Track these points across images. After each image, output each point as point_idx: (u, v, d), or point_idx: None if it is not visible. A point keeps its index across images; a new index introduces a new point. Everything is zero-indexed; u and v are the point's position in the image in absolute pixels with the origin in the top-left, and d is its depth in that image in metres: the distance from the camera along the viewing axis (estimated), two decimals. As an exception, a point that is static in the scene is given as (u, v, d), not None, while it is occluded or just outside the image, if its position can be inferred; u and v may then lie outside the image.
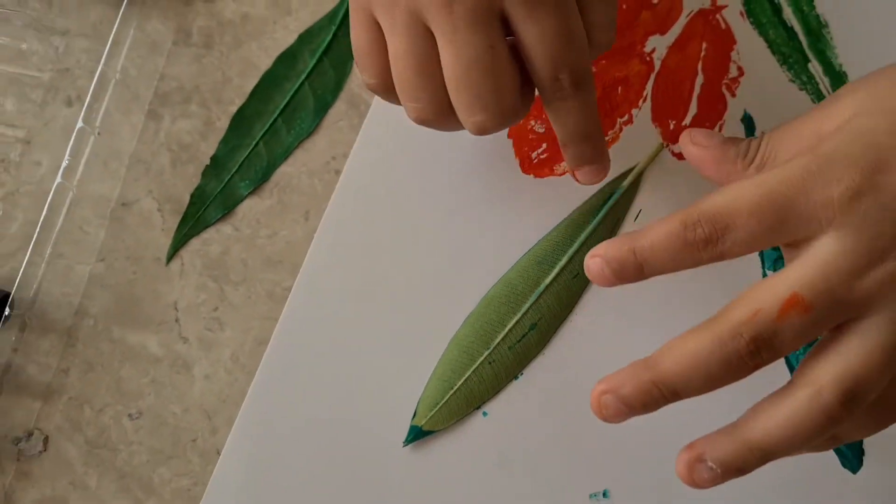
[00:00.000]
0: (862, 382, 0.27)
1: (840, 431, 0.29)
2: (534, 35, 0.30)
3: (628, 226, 0.38)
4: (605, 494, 0.36)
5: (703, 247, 0.29)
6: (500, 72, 0.30)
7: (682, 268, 0.29)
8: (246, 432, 0.37)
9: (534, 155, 0.39)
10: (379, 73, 0.32)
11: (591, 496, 0.36)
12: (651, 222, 0.30)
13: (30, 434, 0.38)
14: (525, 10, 0.30)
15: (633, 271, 0.30)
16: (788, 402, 0.28)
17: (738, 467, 0.28)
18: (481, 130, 0.32)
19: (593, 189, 0.38)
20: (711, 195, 0.29)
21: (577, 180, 0.34)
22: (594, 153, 0.33)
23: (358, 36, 0.32)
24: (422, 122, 0.32)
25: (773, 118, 0.38)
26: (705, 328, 0.28)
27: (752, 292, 0.28)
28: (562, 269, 0.38)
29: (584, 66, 0.31)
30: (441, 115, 0.32)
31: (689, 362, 0.28)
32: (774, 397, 0.28)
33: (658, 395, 0.28)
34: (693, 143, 0.33)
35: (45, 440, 0.37)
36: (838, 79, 0.38)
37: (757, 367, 0.27)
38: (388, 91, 0.33)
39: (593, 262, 0.30)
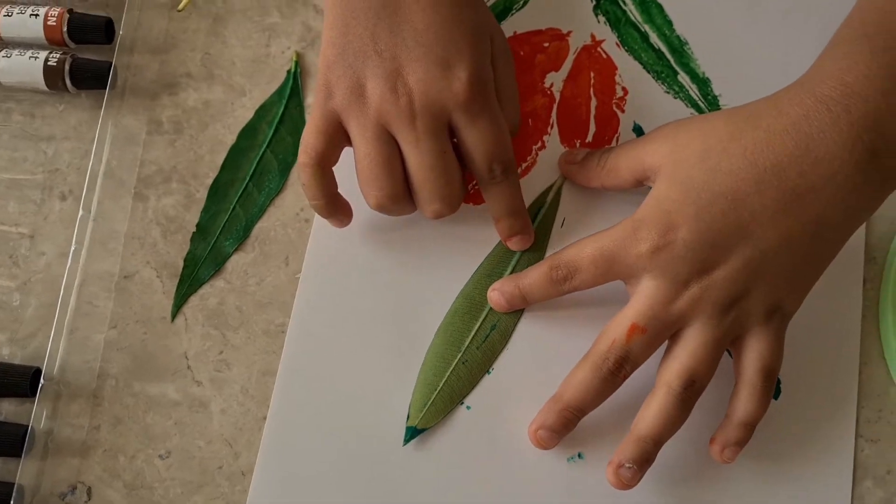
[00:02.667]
0: (695, 371, 0.39)
1: (747, 415, 0.40)
2: (474, 138, 0.40)
3: (556, 233, 0.45)
4: (580, 456, 0.43)
5: (562, 283, 0.41)
6: (452, 170, 0.40)
7: (551, 297, 0.42)
8: (269, 456, 0.42)
9: (469, 187, 0.46)
10: (325, 165, 0.41)
11: (568, 459, 0.42)
12: (530, 267, 0.42)
13: (73, 488, 0.43)
14: (467, 119, 0.40)
15: (519, 301, 0.43)
16: (654, 401, 0.39)
17: (644, 459, 0.39)
18: (438, 216, 0.41)
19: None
20: (568, 248, 0.41)
21: (509, 248, 0.45)
22: (522, 225, 0.44)
23: (319, 138, 0.40)
24: (380, 208, 0.41)
25: (657, 124, 0.46)
26: (585, 361, 0.40)
27: (608, 329, 0.40)
28: (508, 277, 0.45)
29: (510, 157, 0.41)
30: (397, 202, 0.41)
31: (581, 388, 0.40)
32: (647, 401, 0.40)
33: (571, 416, 0.41)
34: (564, 163, 0.46)
35: (89, 490, 0.42)
36: (704, 84, 0.47)
37: (625, 377, 0.40)
38: (323, 169, 0.41)
39: (493, 294, 0.44)
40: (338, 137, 0.40)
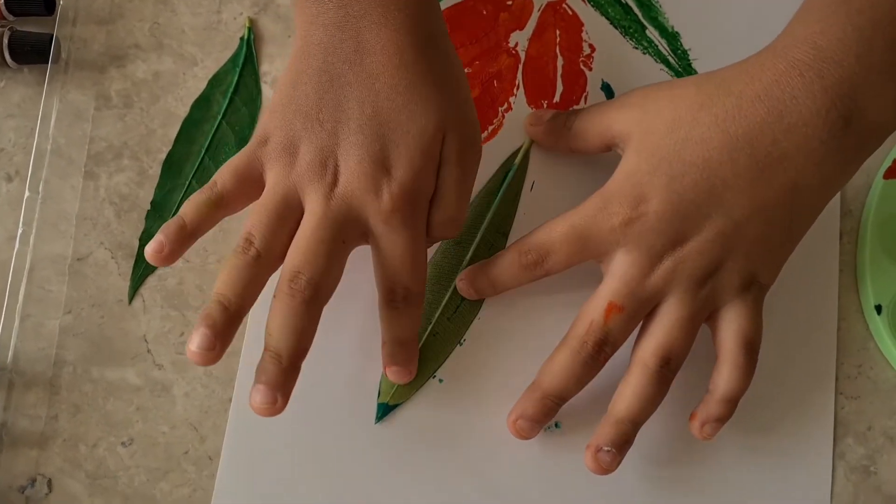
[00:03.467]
0: (671, 349, 0.38)
1: (729, 391, 0.38)
2: (384, 253, 0.37)
3: (526, 196, 0.44)
4: (556, 426, 0.42)
5: (534, 267, 0.39)
6: (337, 262, 0.36)
7: (523, 283, 0.40)
8: (236, 440, 0.41)
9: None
10: (232, 189, 0.36)
11: (545, 429, 0.41)
12: (497, 254, 0.41)
13: (33, 480, 0.41)
14: (382, 230, 0.36)
15: (490, 289, 0.41)
16: (630, 380, 0.38)
17: (623, 441, 0.38)
18: (293, 293, 0.34)
19: (492, 171, 0.44)
20: (536, 231, 0.39)
21: (386, 375, 0.41)
22: (405, 358, 0.40)
23: (232, 180, 0.36)
24: (243, 251, 0.35)
25: (626, 81, 0.45)
26: (563, 346, 0.39)
27: (584, 310, 0.38)
28: (478, 245, 0.43)
29: (416, 289, 0.38)
30: (263, 263, 0.35)
31: (561, 375, 0.38)
32: (623, 380, 0.38)
33: (551, 404, 0.39)
34: (530, 125, 0.44)
35: (49, 482, 0.41)
36: (673, 38, 0.46)
37: (606, 359, 0.38)
38: (216, 208, 0.36)
39: (461, 284, 0.42)
40: (250, 188, 0.37)
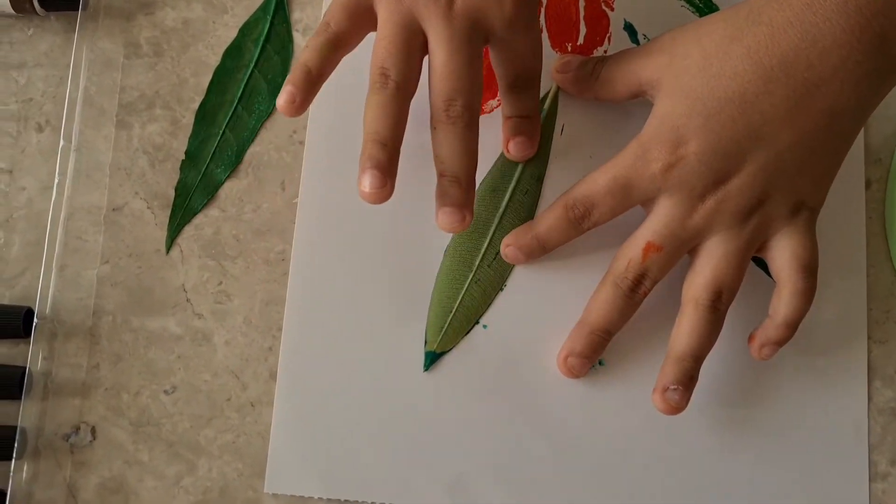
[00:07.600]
0: (721, 282, 0.38)
1: (790, 315, 0.39)
2: (508, 53, 0.39)
3: (556, 140, 0.44)
4: (600, 363, 0.42)
5: (581, 220, 0.40)
6: (478, 77, 0.37)
7: (571, 238, 0.41)
8: (288, 392, 0.41)
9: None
10: (347, 28, 0.37)
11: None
12: (540, 214, 0.41)
13: (77, 428, 0.41)
14: (507, 34, 0.37)
15: (539, 250, 0.41)
16: (685, 318, 0.39)
17: (688, 378, 0.39)
18: (453, 119, 0.36)
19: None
20: (578, 185, 0.40)
21: (508, 152, 0.43)
22: (531, 130, 0.42)
23: (342, 15, 0.37)
24: (381, 90, 0.35)
25: (648, 20, 0.45)
26: (604, 283, 0.40)
27: (623, 249, 0.39)
28: (513, 191, 0.43)
29: (539, 70, 0.40)
30: (402, 92, 0.36)
31: (604, 308, 0.39)
32: (678, 320, 0.39)
33: (599, 339, 0.40)
34: (556, 72, 0.44)
35: (93, 430, 0.41)
36: (695, -30, 0.46)
37: (646, 293, 0.39)
38: (334, 46, 0.37)
39: (508, 250, 0.42)
40: (363, 21, 0.37)
